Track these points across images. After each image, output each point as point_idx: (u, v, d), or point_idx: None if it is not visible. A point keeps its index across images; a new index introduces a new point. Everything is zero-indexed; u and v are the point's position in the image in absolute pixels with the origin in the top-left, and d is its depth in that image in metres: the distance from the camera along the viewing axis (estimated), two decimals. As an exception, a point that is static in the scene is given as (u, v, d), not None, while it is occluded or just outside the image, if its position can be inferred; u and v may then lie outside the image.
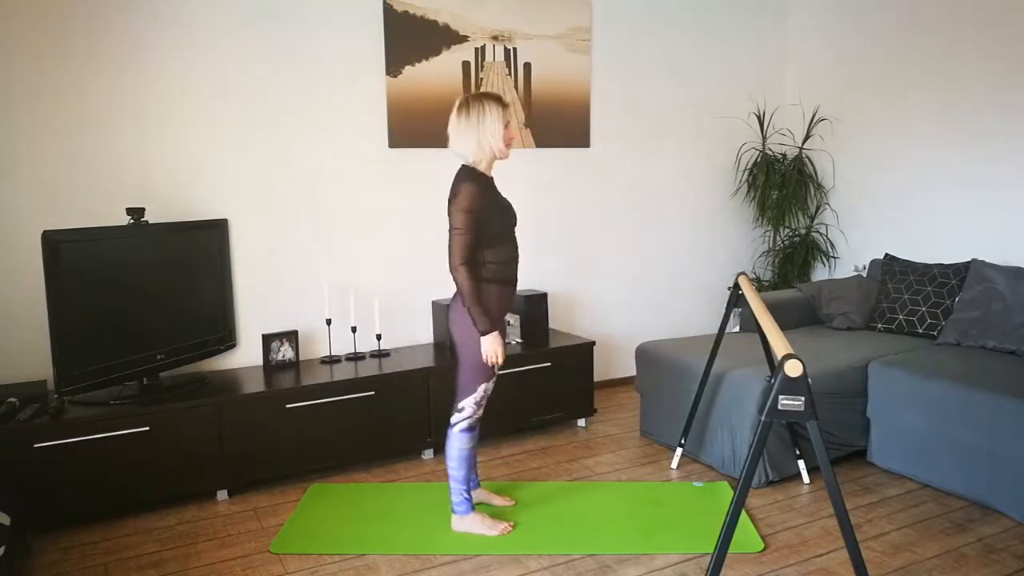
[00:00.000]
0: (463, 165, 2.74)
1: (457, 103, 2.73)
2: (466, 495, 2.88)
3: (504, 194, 4.26)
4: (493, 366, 2.78)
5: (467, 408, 2.79)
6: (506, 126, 2.73)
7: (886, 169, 4.57)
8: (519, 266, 2.88)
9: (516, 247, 2.80)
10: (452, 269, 2.64)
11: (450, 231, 2.65)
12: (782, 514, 3.03)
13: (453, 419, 2.82)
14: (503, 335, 2.80)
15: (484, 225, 2.68)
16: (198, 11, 3.44)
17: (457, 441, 2.82)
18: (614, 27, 4.50)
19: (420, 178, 4.04)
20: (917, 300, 3.92)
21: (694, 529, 2.90)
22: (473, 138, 2.68)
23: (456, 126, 2.71)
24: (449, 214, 2.66)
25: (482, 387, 2.78)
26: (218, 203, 3.58)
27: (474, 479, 3.10)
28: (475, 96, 2.72)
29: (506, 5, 4.13)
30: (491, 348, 2.69)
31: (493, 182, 2.76)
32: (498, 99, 2.72)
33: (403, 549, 2.78)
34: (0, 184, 3.16)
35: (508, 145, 2.75)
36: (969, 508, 3.07)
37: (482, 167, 2.73)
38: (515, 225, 2.81)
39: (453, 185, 2.69)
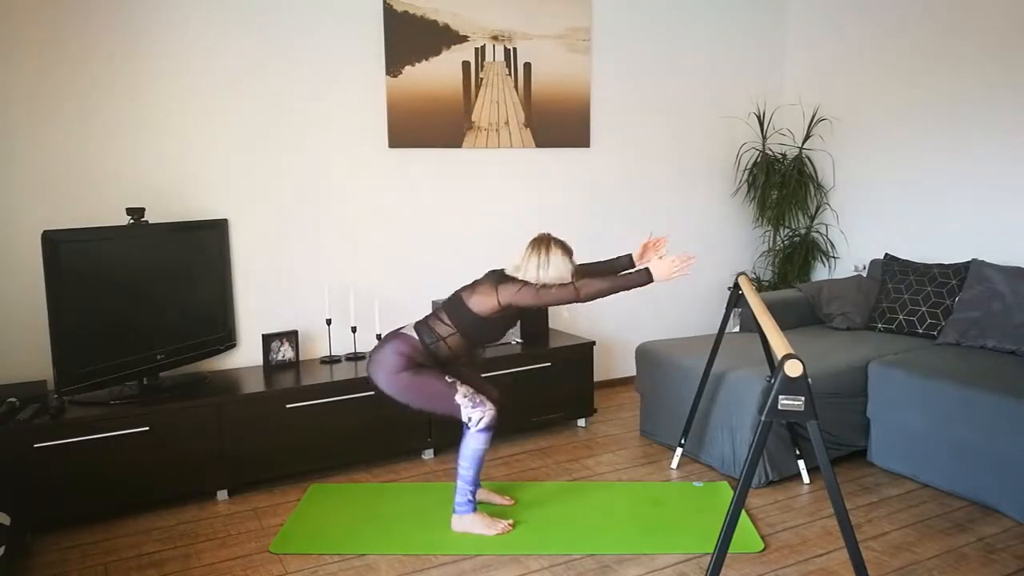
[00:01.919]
0: (503, 271, 2.84)
1: (535, 240, 2.81)
2: (471, 496, 2.88)
3: (504, 193, 4.29)
4: (446, 377, 2.79)
5: (473, 415, 2.78)
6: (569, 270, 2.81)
7: (886, 169, 4.57)
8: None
9: (478, 352, 2.92)
10: (576, 299, 2.71)
11: (538, 301, 2.72)
12: (782, 514, 3.03)
13: (470, 424, 2.81)
14: (424, 364, 2.82)
15: (489, 323, 2.78)
16: (198, 11, 3.43)
17: (474, 441, 2.81)
18: (614, 27, 4.50)
19: (420, 178, 4.04)
20: (917, 300, 3.92)
21: (694, 529, 2.90)
22: (533, 275, 2.75)
23: (527, 260, 2.78)
24: (513, 303, 2.73)
25: (459, 396, 2.77)
26: (218, 203, 3.58)
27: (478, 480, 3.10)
28: (553, 240, 2.79)
29: (506, 5, 4.13)
30: (663, 271, 2.74)
31: None
32: (569, 251, 2.81)
33: (403, 549, 2.78)
34: (0, 184, 3.16)
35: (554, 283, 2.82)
36: (969, 508, 3.07)
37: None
38: (492, 343, 2.93)
39: (497, 281, 2.77)
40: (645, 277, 2.76)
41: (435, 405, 2.79)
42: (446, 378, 2.79)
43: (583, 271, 2.92)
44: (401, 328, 2.87)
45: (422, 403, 2.80)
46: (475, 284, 2.83)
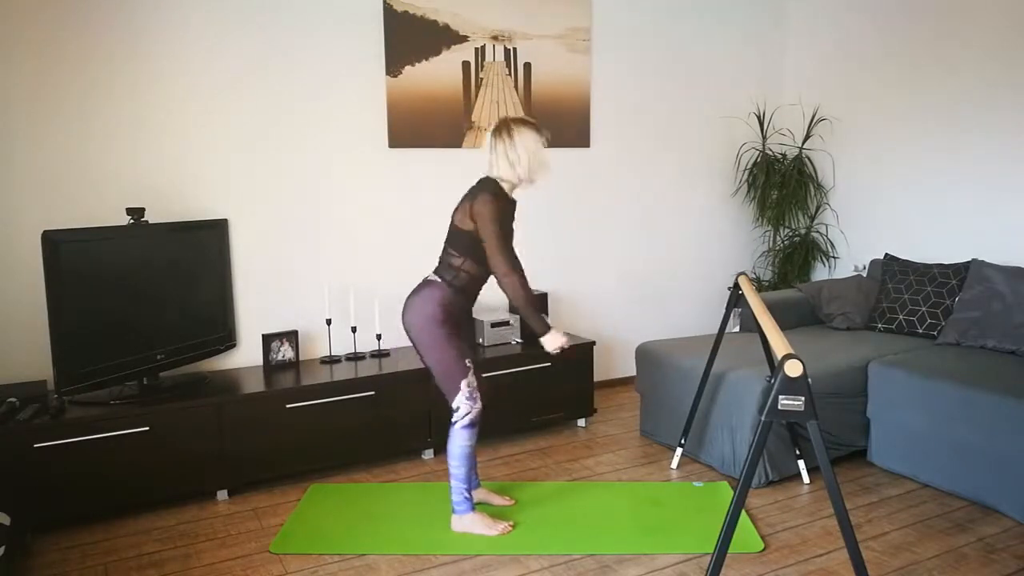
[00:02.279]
0: (488, 177, 2.81)
1: (494, 126, 2.80)
2: (466, 494, 2.88)
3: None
4: (468, 360, 2.80)
5: (462, 406, 2.79)
6: (542, 148, 2.80)
7: (886, 169, 4.57)
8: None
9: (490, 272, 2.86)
10: (500, 277, 2.71)
11: (485, 243, 2.71)
12: (782, 514, 3.03)
13: (454, 418, 2.82)
14: (466, 332, 2.85)
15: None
16: (198, 11, 3.43)
17: (459, 438, 2.82)
18: (614, 27, 4.50)
19: (420, 178, 4.04)
20: (917, 300, 3.92)
21: (694, 529, 2.90)
22: (509, 161, 2.76)
23: (493, 148, 2.78)
24: (476, 221, 2.70)
25: (463, 383, 2.78)
26: (218, 203, 3.58)
27: (474, 479, 3.10)
28: (513, 120, 2.79)
29: (506, 5, 4.13)
30: (556, 343, 2.80)
31: (515, 205, 2.86)
32: (535, 125, 2.80)
33: (403, 549, 2.78)
34: (0, 184, 3.16)
35: (542, 170, 2.82)
36: (969, 508, 3.07)
37: (506, 187, 2.82)
38: None
39: (476, 191, 2.75)
40: (542, 330, 2.79)
41: (444, 375, 2.79)
42: (467, 361, 2.80)
43: (524, 278, 2.79)
44: (428, 276, 2.86)
45: (436, 365, 2.79)
46: (460, 203, 2.81)
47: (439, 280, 2.81)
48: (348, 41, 3.77)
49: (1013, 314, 3.54)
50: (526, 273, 3.05)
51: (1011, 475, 2.93)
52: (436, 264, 2.91)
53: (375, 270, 3.99)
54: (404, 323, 2.82)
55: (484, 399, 2.87)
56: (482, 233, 2.71)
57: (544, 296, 4.15)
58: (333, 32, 3.73)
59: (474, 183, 2.87)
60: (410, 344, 4.05)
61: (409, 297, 2.83)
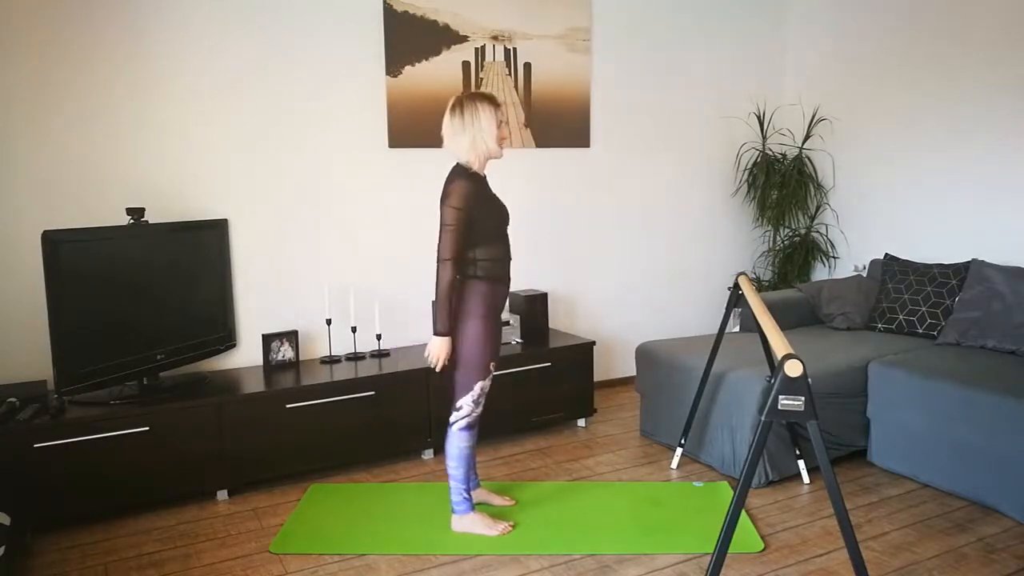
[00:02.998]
0: (457, 164, 2.77)
1: (450, 103, 2.75)
2: (466, 495, 2.88)
3: (504, 194, 4.28)
4: (492, 364, 2.79)
5: (465, 407, 2.79)
6: (499, 125, 2.74)
7: (886, 169, 4.57)
8: (511, 265, 2.87)
9: (508, 246, 2.82)
10: (438, 262, 2.67)
11: (441, 227, 2.67)
12: (782, 514, 3.03)
13: (452, 418, 2.82)
14: (498, 333, 2.83)
15: (476, 223, 2.71)
16: (198, 11, 3.43)
17: (456, 439, 2.82)
18: (614, 27, 4.50)
19: (420, 178, 4.04)
20: (917, 300, 3.92)
21: (694, 529, 2.90)
22: (467, 138, 2.71)
23: (450, 126, 2.74)
24: (441, 210, 2.68)
25: (479, 385, 2.78)
26: (218, 203, 3.58)
27: (474, 479, 3.10)
28: (468, 96, 2.74)
29: (506, 5, 4.13)
30: (437, 350, 2.70)
31: (486, 181, 2.80)
32: (491, 99, 2.74)
33: (403, 549, 2.78)
34: (0, 184, 3.16)
35: (501, 145, 2.77)
36: (969, 508, 3.07)
37: (475, 166, 2.75)
38: (507, 224, 2.83)
39: (446, 183, 2.71)
40: (440, 331, 2.68)
41: (464, 369, 2.75)
42: (492, 365, 2.79)
43: (459, 263, 2.70)
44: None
45: (462, 356, 2.74)
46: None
47: (466, 280, 2.74)
48: (348, 41, 3.77)
49: (1013, 314, 3.54)
50: (511, 269, 2.92)
51: (1011, 475, 2.93)
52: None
53: (375, 270, 3.99)
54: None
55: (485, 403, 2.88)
56: (441, 214, 2.66)
57: (544, 296, 4.15)
58: (333, 32, 3.73)
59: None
60: (411, 344, 4.07)
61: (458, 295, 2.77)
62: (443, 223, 2.66)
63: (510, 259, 2.83)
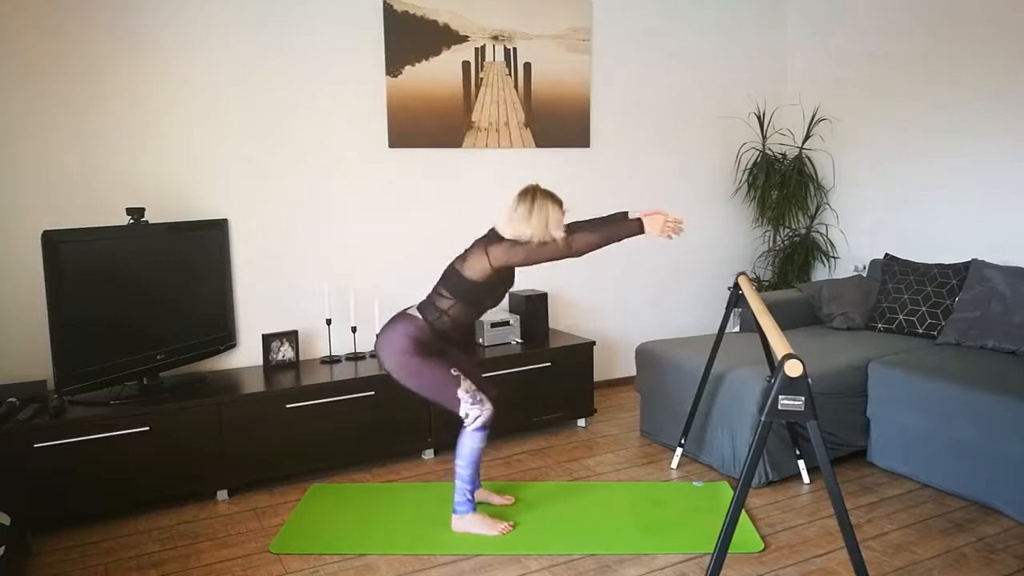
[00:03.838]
0: (495, 230, 2.79)
1: (520, 193, 2.76)
2: (470, 495, 2.88)
3: (503, 193, 4.27)
4: (452, 370, 2.77)
5: (470, 412, 2.78)
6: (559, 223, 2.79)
7: (886, 169, 4.57)
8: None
9: (476, 318, 2.88)
10: (575, 252, 2.69)
11: (530, 258, 2.69)
12: (782, 514, 3.03)
13: (466, 422, 2.81)
14: (444, 347, 2.83)
15: (479, 288, 2.76)
16: (198, 11, 3.43)
17: (470, 440, 2.81)
18: (614, 27, 4.50)
19: (420, 178, 4.04)
20: (917, 300, 3.92)
21: (694, 529, 2.90)
22: (528, 231, 2.71)
23: (513, 213, 2.74)
24: (507, 253, 2.69)
25: (460, 391, 2.76)
26: (218, 203, 3.58)
27: (476, 480, 3.10)
28: (542, 193, 2.74)
29: (506, 5, 4.13)
30: (655, 224, 2.71)
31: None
32: (560, 202, 2.77)
33: (403, 549, 2.78)
34: (0, 184, 3.16)
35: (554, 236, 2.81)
36: (969, 508, 3.07)
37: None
38: (493, 306, 2.90)
39: (486, 243, 2.74)
40: (636, 228, 2.72)
41: (437, 395, 2.79)
42: (452, 371, 2.79)
43: (573, 227, 2.84)
44: (406, 309, 2.86)
45: (425, 390, 2.79)
46: (466, 251, 2.80)
47: (418, 316, 2.78)
48: (348, 41, 3.77)
49: (1013, 314, 3.54)
50: (521, 272, 2.99)
51: (1011, 475, 2.93)
52: (427, 279, 2.87)
53: (375, 270, 3.99)
54: (380, 361, 2.81)
55: (495, 401, 2.87)
56: (520, 261, 2.70)
57: (544, 296, 4.15)
58: (333, 32, 3.73)
59: (483, 235, 2.84)
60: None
61: (381, 333, 2.82)
62: (528, 255, 2.68)
63: (469, 327, 2.89)
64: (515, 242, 2.70)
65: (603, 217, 2.97)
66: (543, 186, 2.78)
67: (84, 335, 2.95)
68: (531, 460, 3.63)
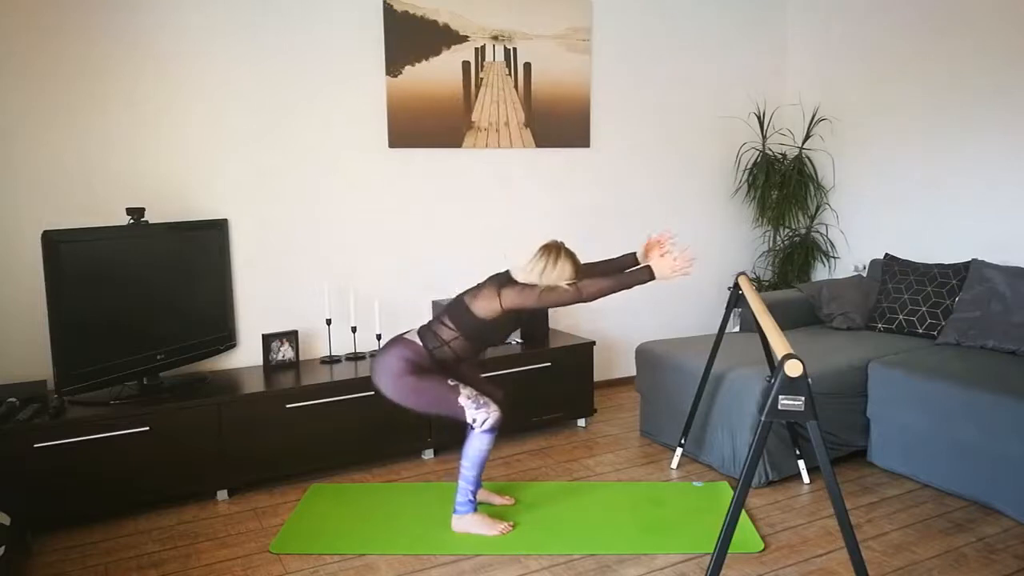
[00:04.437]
0: (508, 273, 2.82)
1: (545, 247, 2.78)
2: (472, 496, 2.88)
3: (503, 194, 4.28)
4: (449, 380, 2.79)
5: (477, 417, 2.78)
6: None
7: (886, 168, 4.57)
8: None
9: (476, 354, 2.90)
10: (586, 299, 2.71)
11: (541, 304, 2.73)
12: (782, 514, 3.03)
13: (474, 425, 2.81)
14: (440, 370, 2.83)
15: (492, 325, 2.78)
16: (198, 11, 3.43)
17: (478, 441, 2.81)
18: (614, 27, 4.50)
19: (420, 178, 4.04)
20: (917, 300, 3.92)
21: (694, 529, 2.90)
22: (536, 275, 2.74)
23: (535, 265, 2.76)
24: (513, 307, 2.73)
25: (462, 399, 2.76)
26: (218, 203, 3.58)
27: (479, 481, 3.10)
28: (564, 250, 2.77)
29: (506, 5, 4.13)
30: (665, 268, 2.74)
31: None
32: (577, 262, 2.79)
33: (403, 549, 2.78)
34: (0, 184, 3.16)
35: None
36: (969, 508, 3.07)
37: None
38: (503, 341, 2.93)
39: (499, 284, 2.76)
40: (647, 275, 2.75)
41: (440, 408, 2.79)
42: (449, 381, 2.79)
43: (586, 271, 2.91)
44: (404, 333, 2.87)
45: (427, 406, 2.80)
46: (478, 288, 2.82)
47: (417, 342, 2.79)
48: (348, 41, 3.77)
49: (1013, 314, 3.54)
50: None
51: (1011, 475, 2.93)
52: (414, 318, 2.88)
53: (375, 270, 3.99)
54: (376, 385, 2.82)
55: (501, 403, 2.87)
56: (532, 304, 2.73)
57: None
58: (333, 32, 3.73)
59: (496, 274, 2.86)
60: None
61: (377, 357, 2.82)
62: (539, 300, 2.71)
63: (463, 361, 2.89)
64: (526, 286, 2.73)
65: (613, 260, 3.02)
66: (565, 244, 2.81)
67: (84, 335, 2.94)
68: (531, 460, 3.63)
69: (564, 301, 2.73)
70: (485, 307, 2.75)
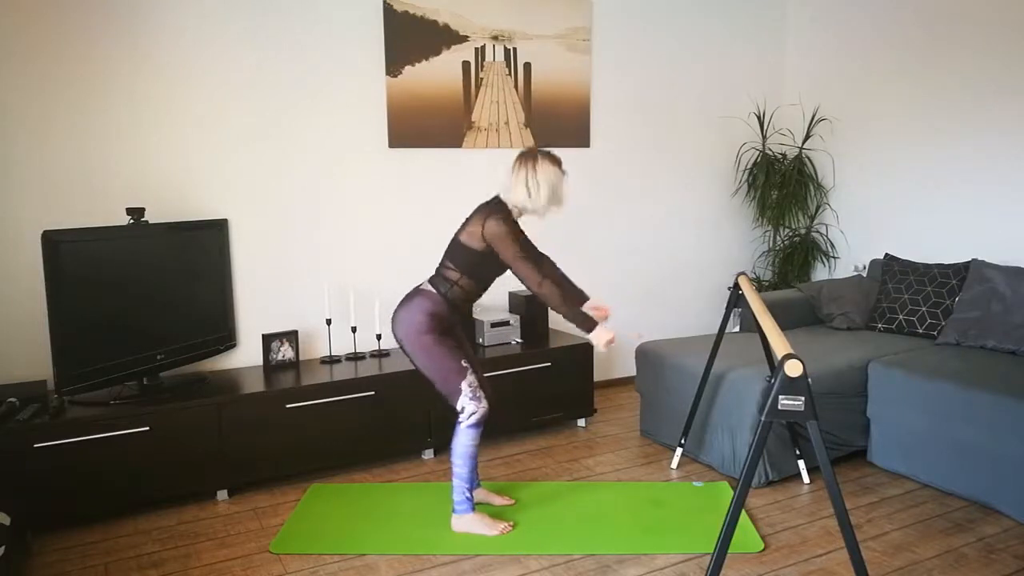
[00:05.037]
0: (498, 198, 2.82)
1: (521, 154, 2.80)
2: (468, 494, 2.88)
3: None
4: (463, 360, 2.80)
5: (467, 407, 2.79)
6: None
7: (886, 169, 4.57)
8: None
9: (484, 291, 2.90)
10: (535, 289, 2.72)
11: (510, 264, 2.73)
12: (782, 514, 3.03)
13: (460, 417, 2.82)
14: (456, 335, 2.86)
15: (486, 261, 2.78)
16: (198, 11, 3.43)
17: (464, 436, 2.82)
18: (614, 27, 4.50)
19: (420, 178, 4.04)
20: (917, 300, 3.92)
21: (694, 529, 2.90)
22: (525, 192, 2.76)
23: (515, 176, 2.78)
24: (487, 241, 2.72)
25: (464, 383, 2.78)
26: (218, 203, 3.58)
27: (475, 479, 3.10)
28: (542, 154, 2.79)
29: (506, 5, 4.13)
30: (604, 338, 2.77)
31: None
32: (559, 162, 2.81)
33: (403, 549, 2.78)
34: (0, 184, 3.16)
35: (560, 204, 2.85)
36: (969, 508, 3.07)
37: (515, 213, 2.83)
38: (498, 276, 2.91)
39: (487, 212, 2.75)
40: (587, 329, 2.77)
41: (441, 379, 2.80)
42: (463, 362, 2.80)
43: (557, 277, 2.96)
44: (420, 285, 2.87)
45: (432, 372, 2.80)
46: (467, 219, 2.82)
47: (432, 290, 2.81)
48: (348, 41, 3.77)
49: (1013, 314, 3.54)
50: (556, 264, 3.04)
51: (1011, 475, 2.93)
52: (432, 272, 2.91)
53: (375, 270, 3.99)
54: (395, 336, 2.84)
55: (491, 400, 2.88)
56: (503, 254, 2.73)
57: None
58: (333, 32, 3.73)
59: (485, 201, 2.86)
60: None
61: (397, 309, 2.84)
62: (510, 261, 2.73)
63: (477, 299, 2.90)
64: (508, 234, 2.71)
65: (573, 284, 3.02)
66: (540, 148, 2.81)
67: (84, 335, 2.95)
68: (531, 460, 3.63)
69: (526, 277, 2.72)
70: (473, 235, 2.76)
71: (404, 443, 3.57)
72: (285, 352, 3.69)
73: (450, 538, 2.85)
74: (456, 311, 2.85)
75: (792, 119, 5.07)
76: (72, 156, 3.27)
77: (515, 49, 4.19)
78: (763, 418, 2.01)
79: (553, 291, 2.72)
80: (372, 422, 3.48)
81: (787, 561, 2.68)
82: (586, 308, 2.94)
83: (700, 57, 4.81)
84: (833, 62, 4.82)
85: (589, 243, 4.59)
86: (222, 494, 3.24)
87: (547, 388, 3.90)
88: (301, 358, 3.80)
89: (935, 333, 3.81)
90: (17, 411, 2.91)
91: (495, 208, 2.77)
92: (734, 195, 5.07)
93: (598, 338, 2.78)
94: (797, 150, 4.94)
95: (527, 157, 2.79)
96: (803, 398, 1.99)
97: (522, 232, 2.82)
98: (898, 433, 3.33)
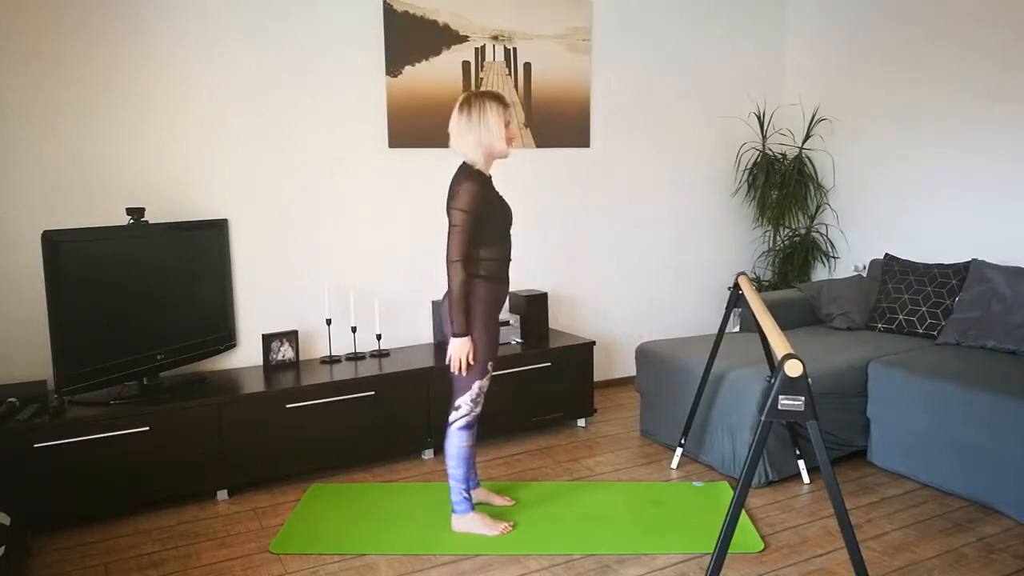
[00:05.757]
0: (463, 163, 2.76)
1: (458, 101, 2.75)
2: (465, 494, 2.88)
3: (504, 194, 4.27)
4: (490, 363, 2.79)
5: (464, 406, 2.79)
6: (506, 125, 2.75)
7: (886, 169, 4.57)
8: (511, 266, 2.87)
9: (510, 246, 2.82)
10: (448, 263, 2.65)
11: (449, 228, 2.66)
12: (782, 514, 3.03)
13: (451, 417, 2.82)
14: (496, 333, 2.82)
15: (482, 223, 2.70)
16: (199, 11, 3.43)
17: (455, 439, 2.82)
18: (614, 27, 4.50)
19: (420, 178, 4.04)
20: (917, 300, 3.92)
21: (694, 529, 2.90)
22: (473, 137, 2.71)
23: (457, 124, 2.74)
24: (448, 211, 2.68)
25: (477, 384, 2.78)
26: (218, 203, 3.58)
27: (474, 479, 3.11)
28: (476, 95, 2.74)
29: (506, 5, 4.13)
30: (459, 351, 2.69)
31: (491, 181, 2.79)
32: (499, 98, 2.76)
33: (403, 549, 2.78)
34: (0, 184, 3.16)
35: (508, 144, 2.77)
36: (969, 508, 3.07)
37: (480, 166, 2.75)
38: (511, 225, 2.83)
39: (452, 183, 2.71)
40: (457, 332, 2.66)
41: (465, 372, 2.74)
42: (489, 364, 2.78)
43: (464, 280, 2.70)
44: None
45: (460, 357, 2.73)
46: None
47: (468, 278, 2.69)
48: (348, 41, 3.77)
49: (1013, 314, 3.54)
50: (521, 272, 2.99)
51: (1011, 475, 2.93)
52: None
53: (375, 270, 3.99)
54: (442, 315, 2.79)
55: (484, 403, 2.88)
56: (448, 216, 2.66)
57: (544, 296, 4.15)
58: (333, 32, 3.73)
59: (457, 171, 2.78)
60: (411, 344, 4.07)
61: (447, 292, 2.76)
62: (451, 224, 2.65)
63: (510, 260, 2.83)
64: (462, 219, 2.62)
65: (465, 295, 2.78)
66: (481, 89, 2.74)
67: (84, 335, 2.95)
68: (531, 460, 3.63)
69: (448, 253, 2.63)
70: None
71: (404, 443, 3.58)
72: (285, 352, 3.69)
73: (450, 538, 2.85)
74: (499, 282, 2.75)
75: (792, 119, 5.07)
76: (72, 156, 3.27)
77: (515, 49, 4.19)
78: (763, 418, 2.01)
79: (456, 275, 2.62)
80: (372, 422, 3.48)
81: (787, 561, 2.68)
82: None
83: (700, 57, 4.81)
84: (833, 62, 4.82)
85: (589, 243, 4.59)
86: (222, 494, 3.24)
87: (547, 388, 3.90)
88: (301, 358, 3.80)
89: (935, 333, 3.81)
90: (17, 411, 2.91)
91: (462, 175, 2.69)
92: (734, 195, 5.07)
93: (456, 349, 2.68)
94: (797, 150, 4.94)
95: (463, 104, 2.71)
96: (803, 398, 1.99)
97: (493, 206, 2.71)
98: (898, 433, 3.33)
